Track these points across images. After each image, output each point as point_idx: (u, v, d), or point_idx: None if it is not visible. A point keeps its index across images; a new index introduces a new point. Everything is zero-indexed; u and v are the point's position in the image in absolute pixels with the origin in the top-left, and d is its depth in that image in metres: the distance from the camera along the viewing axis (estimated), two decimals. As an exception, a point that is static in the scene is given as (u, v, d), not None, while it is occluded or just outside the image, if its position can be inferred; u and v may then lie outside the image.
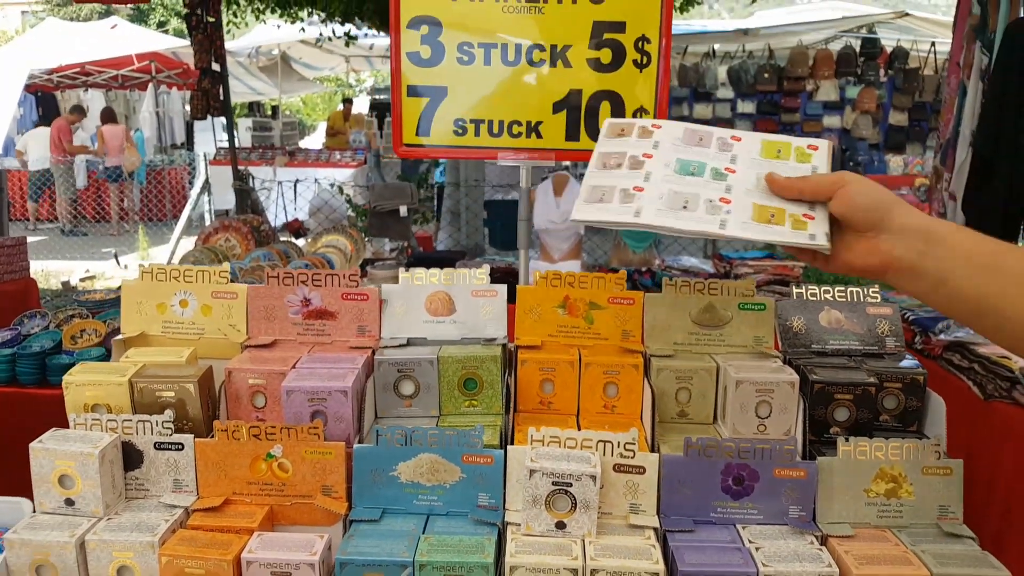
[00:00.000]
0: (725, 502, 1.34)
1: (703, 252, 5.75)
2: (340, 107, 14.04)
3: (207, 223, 9.86)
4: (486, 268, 1.65)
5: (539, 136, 1.93)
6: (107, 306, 3.52)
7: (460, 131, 1.95)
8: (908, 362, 1.49)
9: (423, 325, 1.62)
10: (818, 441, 1.42)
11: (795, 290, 1.57)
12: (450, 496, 1.36)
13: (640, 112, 1.85)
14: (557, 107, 1.91)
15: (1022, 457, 2.35)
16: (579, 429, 1.43)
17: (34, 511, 1.41)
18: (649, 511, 1.35)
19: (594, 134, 1.89)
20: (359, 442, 1.43)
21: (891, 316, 1.55)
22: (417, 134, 1.96)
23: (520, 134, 1.93)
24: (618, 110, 1.87)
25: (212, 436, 1.42)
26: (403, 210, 6.49)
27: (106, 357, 2.90)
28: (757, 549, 1.26)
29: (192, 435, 1.41)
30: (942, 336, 3.48)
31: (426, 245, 8.11)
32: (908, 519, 1.33)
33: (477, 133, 1.94)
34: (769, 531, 1.31)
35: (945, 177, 4.71)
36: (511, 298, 1.63)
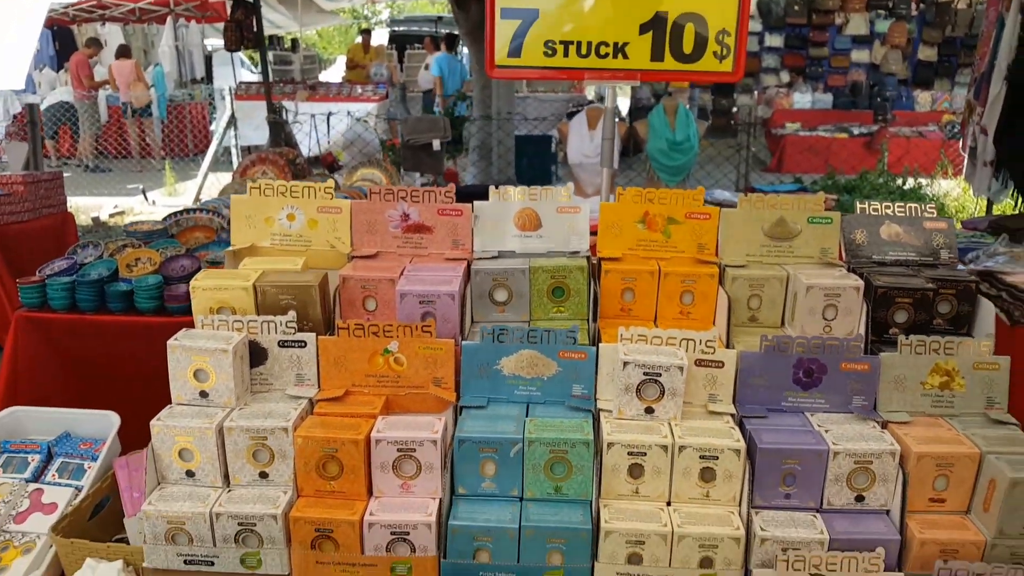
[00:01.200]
0: (796, 393, 1.49)
1: (735, 186, 5.84)
2: (358, 39, 13.88)
3: (233, 158, 9.94)
4: (570, 186, 1.78)
5: (625, 57, 2.03)
6: (156, 236, 3.66)
7: (550, 52, 2.05)
8: (962, 271, 1.63)
9: (512, 239, 1.76)
10: (878, 341, 1.56)
11: (859, 205, 1.70)
12: (547, 387, 1.53)
13: (722, 34, 1.94)
14: (643, 28, 2.00)
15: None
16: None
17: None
18: (726, 400, 1.51)
19: (678, 55, 1.98)
20: (464, 340, 1.58)
21: (946, 230, 1.68)
22: (508, 55, 2.07)
23: (607, 55, 2.04)
24: (702, 31, 1.96)
25: (332, 334, 1.58)
26: (436, 144, 6.57)
27: (163, 284, 3.07)
28: (826, 432, 1.42)
29: (314, 333, 1.57)
30: (972, 265, 3.61)
31: (452, 180, 8.19)
32: (959, 409, 1.49)
33: (566, 54, 2.05)
34: (835, 418, 1.47)
35: (977, 111, 4.75)
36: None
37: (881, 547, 1.32)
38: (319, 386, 1.59)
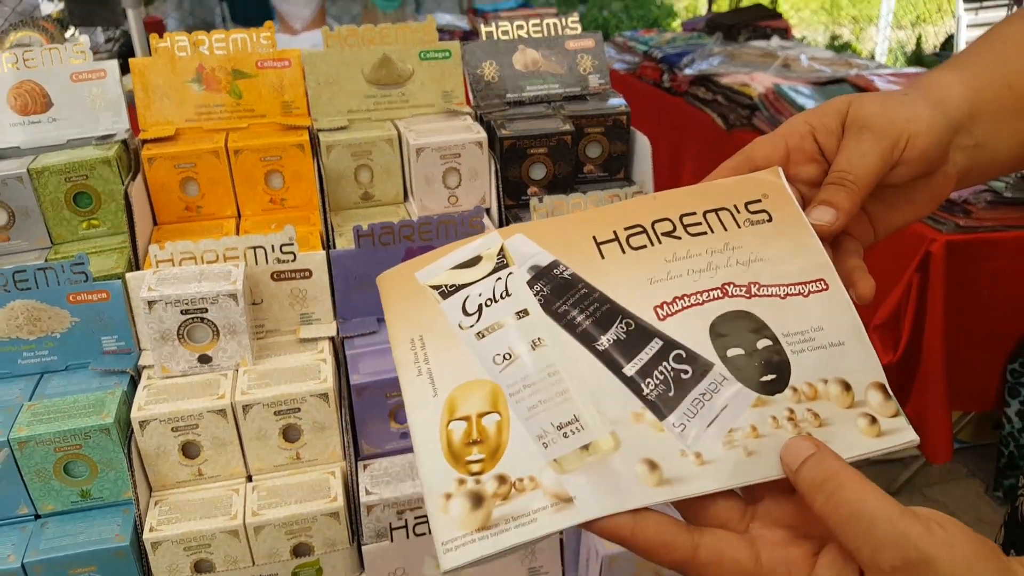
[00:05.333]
0: (411, 295, 1.13)
1: (459, 6, 5.30)
2: None
3: None
4: (84, 40, 1.23)
5: None
6: None
7: None
8: (614, 100, 1.30)
9: (11, 129, 1.21)
10: (517, 205, 1.23)
11: (484, 29, 1.29)
12: (64, 347, 1.06)
13: None
14: None
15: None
16: (239, 235, 1.16)
17: None
18: (324, 319, 1.13)
19: None
20: (-68, 297, 1.06)
21: (593, 49, 1.33)
22: None
23: None
24: None
25: None
26: (106, -11, 5.42)
27: None
28: (446, 343, 1.08)
29: None
30: (687, 71, 3.43)
31: (156, 30, 7.01)
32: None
33: None
34: (463, 319, 1.14)
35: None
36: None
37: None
38: None
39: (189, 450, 1.01)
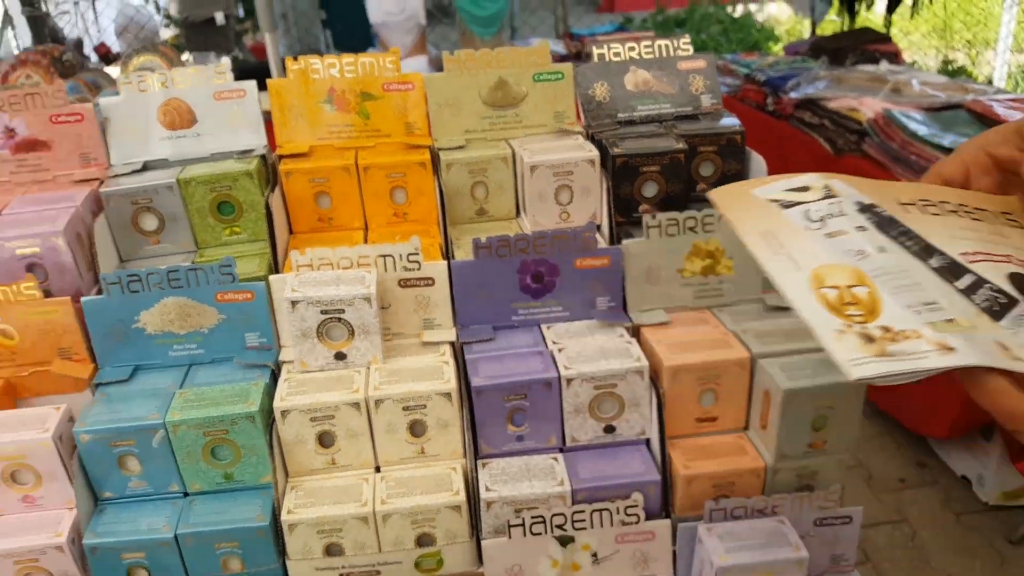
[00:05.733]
0: (526, 303, 1.19)
1: (555, 31, 5.39)
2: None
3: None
4: (226, 62, 1.35)
5: None
6: None
7: None
8: (728, 120, 1.33)
9: (161, 143, 1.33)
10: (628, 222, 1.27)
11: (596, 51, 1.35)
12: (210, 341, 1.16)
13: None
14: None
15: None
16: (367, 244, 1.24)
17: None
18: (445, 324, 1.19)
19: None
20: (97, 294, 1.18)
21: (705, 70, 1.37)
22: None
23: None
24: None
25: None
26: (219, 17, 5.75)
27: None
28: (560, 350, 1.13)
29: None
30: (792, 94, 3.41)
31: (261, 56, 7.35)
32: (730, 297, 1.23)
33: None
34: (575, 328, 1.19)
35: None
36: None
37: (638, 492, 1.07)
38: (-92, 382, 1.16)
39: (324, 440, 1.08)
